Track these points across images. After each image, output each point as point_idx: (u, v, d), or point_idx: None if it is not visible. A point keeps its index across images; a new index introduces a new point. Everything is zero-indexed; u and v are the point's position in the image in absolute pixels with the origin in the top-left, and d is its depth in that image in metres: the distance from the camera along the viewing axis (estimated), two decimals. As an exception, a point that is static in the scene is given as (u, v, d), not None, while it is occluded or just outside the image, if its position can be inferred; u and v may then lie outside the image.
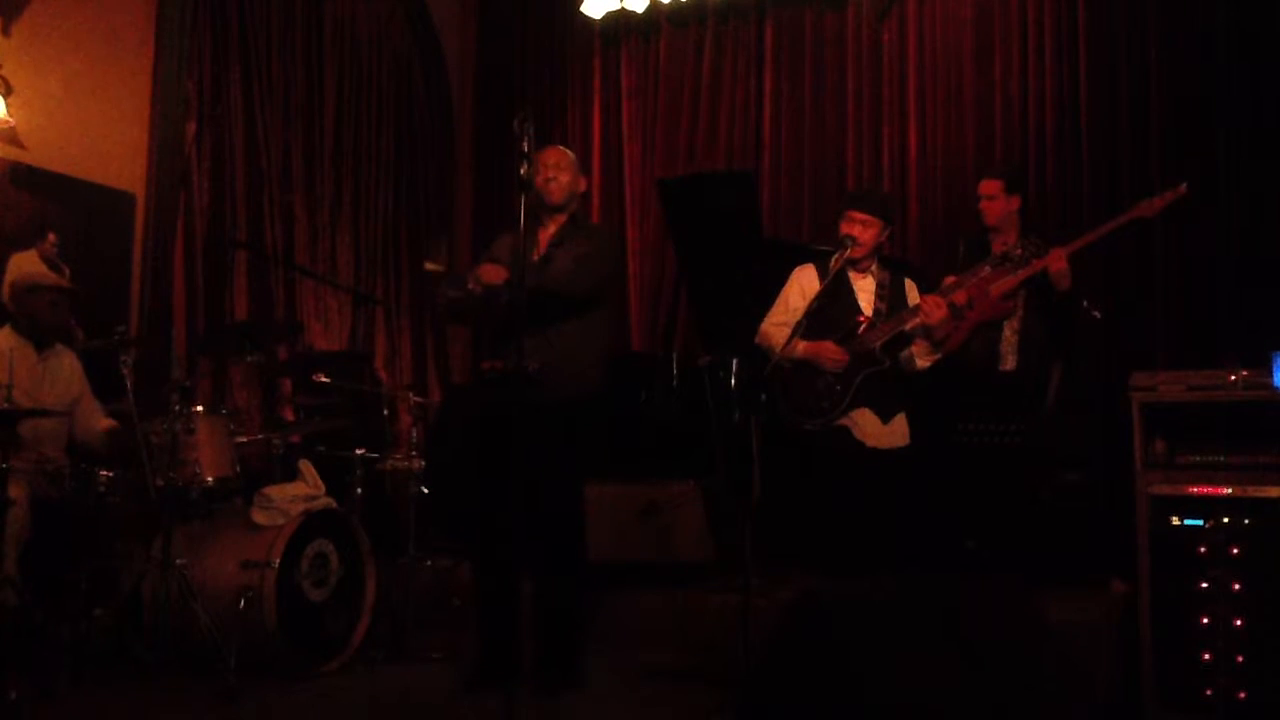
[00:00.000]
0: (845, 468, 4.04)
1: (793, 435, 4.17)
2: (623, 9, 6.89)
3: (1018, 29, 6.08)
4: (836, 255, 4.11)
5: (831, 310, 4.09)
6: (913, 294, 4.21)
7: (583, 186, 4.08)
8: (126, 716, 3.59)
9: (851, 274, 4.20)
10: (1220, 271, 5.39)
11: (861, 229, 4.11)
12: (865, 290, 4.21)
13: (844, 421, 4.08)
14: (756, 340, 4.32)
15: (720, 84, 6.91)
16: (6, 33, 4.85)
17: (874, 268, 4.24)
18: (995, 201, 4.59)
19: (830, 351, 4.08)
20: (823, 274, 4.17)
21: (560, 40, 7.37)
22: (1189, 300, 5.47)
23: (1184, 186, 4.24)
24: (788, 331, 3.99)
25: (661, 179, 6.31)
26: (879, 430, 4.08)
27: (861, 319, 4.15)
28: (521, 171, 3.22)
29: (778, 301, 4.30)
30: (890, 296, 4.19)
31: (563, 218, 3.96)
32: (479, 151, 7.52)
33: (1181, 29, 5.61)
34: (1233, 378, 3.56)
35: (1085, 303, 4.49)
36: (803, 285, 4.24)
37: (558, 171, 3.91)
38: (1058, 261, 4.26)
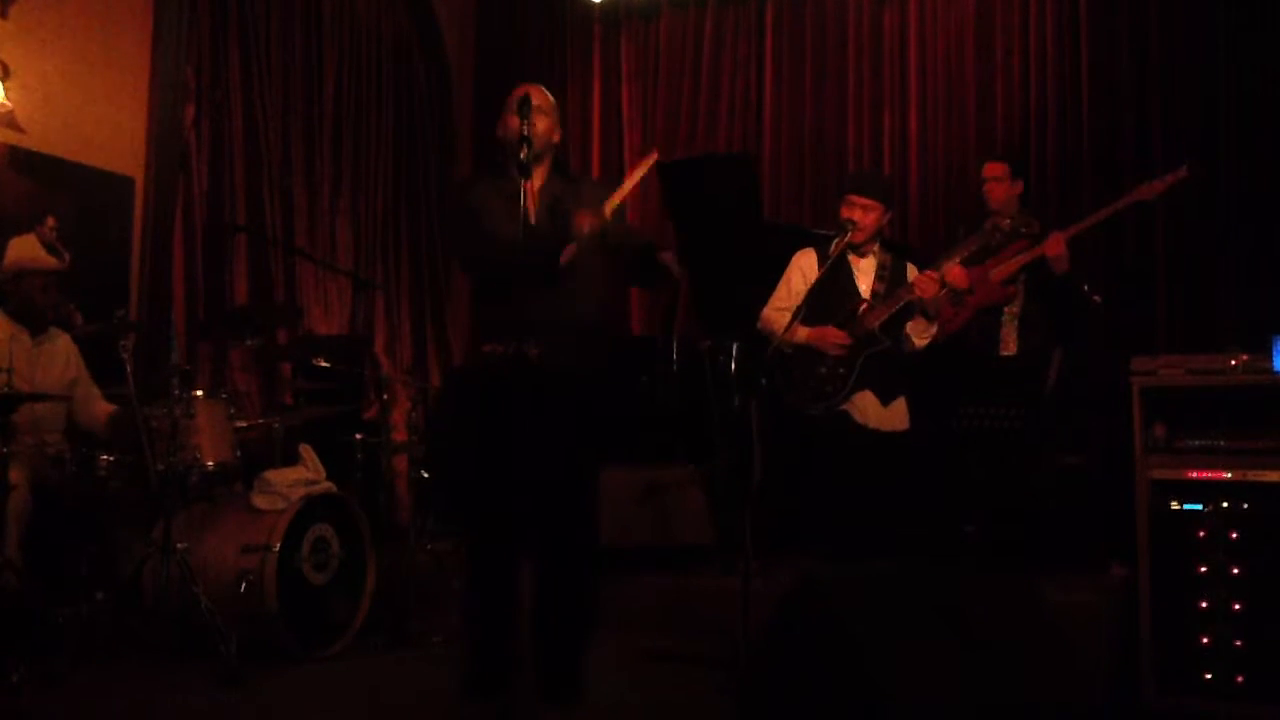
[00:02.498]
0: (847, 452, 4.03)
1: (795, 420, 4.16)
2: (622, -8, 6.88)
3: (1019, 10, 6.06)
4: (837, 239, 4.10)
5: (832, 294, 4.08)
6: (914, 272, 4.19)
7: (558, 137, 3.54)
8: (128, 699, 3.60)
9: (852, 257, 4.19)
10: (1221, 255, 5.39)
11: (862, 213, 4.10)
12: (865, 273, 4.20)
13: (846, 405, 4.07)
14: (758, 325, 4.30)
15: (720, 67, 6.90)
16: (5, 15, 4.83)
17: (875, 250, 4.23)
18: (1001, 184, 4.58)
19: (833, 336, 4.07)
20: (823, 258, 4.16)
21: (559, 23, 7.35)
22: (1189, 284, 5.47)
23: (1185, 169, 4.22)
24: (789, 316, 3.98)
25: (661, 162, 6.28)
26: (879, 413, 4.07)
27: (862, 303, 4.14)
28: (521, 155, 3.20)
29: (779, 286, 4.29)
30: (890, 278, 4.17)
31: (544, 169, 3.49)
32: (478, 135, 7.50)
33: (1182, 8, 5.60)
34: (1233, 362, 3.56)
35: (1085, 287, 4.48)
36: (804, 269, 4.23)
37: (536, 114, 3.37)
38: (1056, 246, 4.26)
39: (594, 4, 7.07)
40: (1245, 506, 3.47)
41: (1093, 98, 5.81)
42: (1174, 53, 5.61)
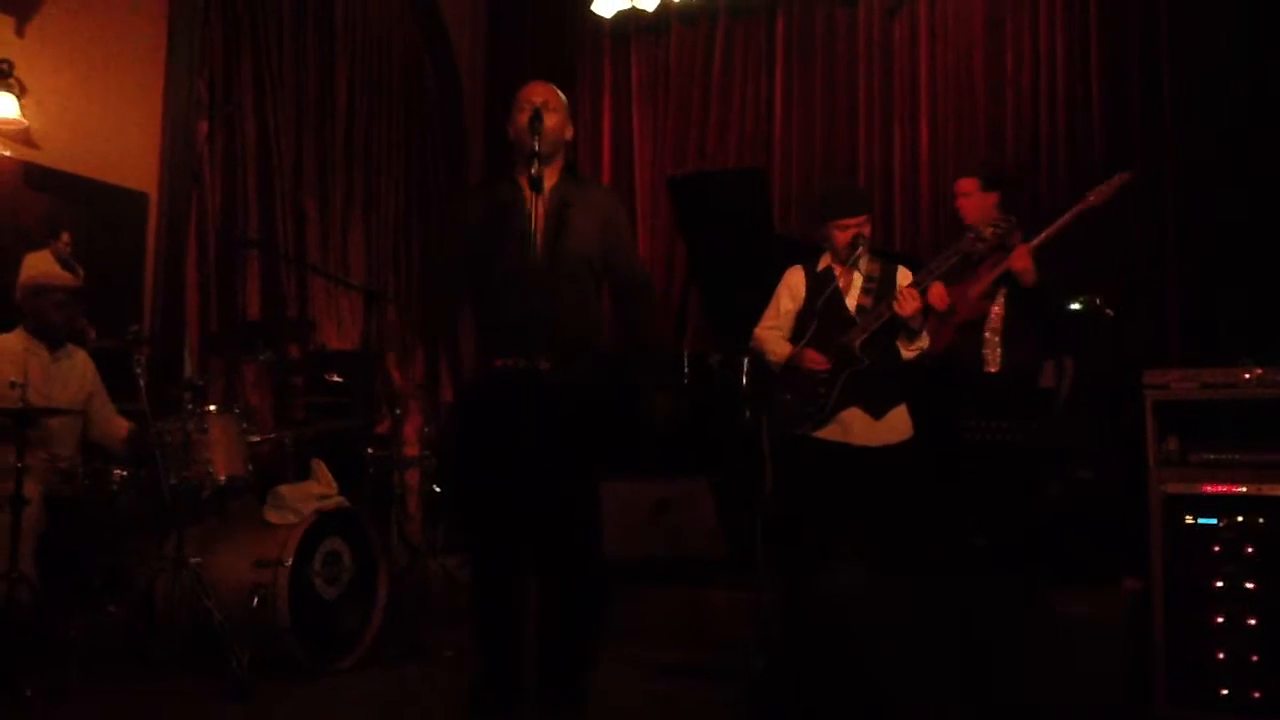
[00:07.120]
0: (835, 470, 3.95)
1: (786, 441, 4.11)
2: (633, 7, 6.90)
3: (1029, 23, 6.07)
4: (828, 254, 4.09)
5: (820, 311, 4.04)
6: (905, 281, 4.11)
7: (570, 134, 3.45)
8: (139, 713, 3.61)
9: (838, 271, 4.12)
10: (1234, 269, 5.37)
11: (859, 228, 4.06)
12: (853, 287, 4.12)
13: (833, 423, 4.00)
14: (751, 344, 4.25)
15: (731, 81, 6.92)
16: (20, 34, 4.87)
17: (863, 262, 4.13)
18: (970, 199, 4.52)
19: (810, 358, 4.00)
20: (810, 274, 4.13)
21: (570, 38, 7.38)
22: (1202, 298, 5.45)
23: (1129, 174, 4.20)
24: (779, 335, 4.01)
25: (671, 176, 6.31)
26: (870, 427, 3.97)
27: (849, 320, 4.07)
28: (532, 170, 3.18)
29: (770, 305, 4.25)
30: (879, 290, 4.08)
31: (554, 169, 3.39)
32: (489, 150, 7.53)
33: (1193, 21, 5.59)
34: (1246, 375, 3.55)
35: (1098, 300, 4.46)
36: (791, 287, 4.18)
37: (546, 112, 3.29)
38: (1020, 259, 4.22)
39: (604, 18, 7.10)
40: (1261, 521, 3.45)
41: (1103, 111, 5.80)
42: (1185, 63, 5.60)
